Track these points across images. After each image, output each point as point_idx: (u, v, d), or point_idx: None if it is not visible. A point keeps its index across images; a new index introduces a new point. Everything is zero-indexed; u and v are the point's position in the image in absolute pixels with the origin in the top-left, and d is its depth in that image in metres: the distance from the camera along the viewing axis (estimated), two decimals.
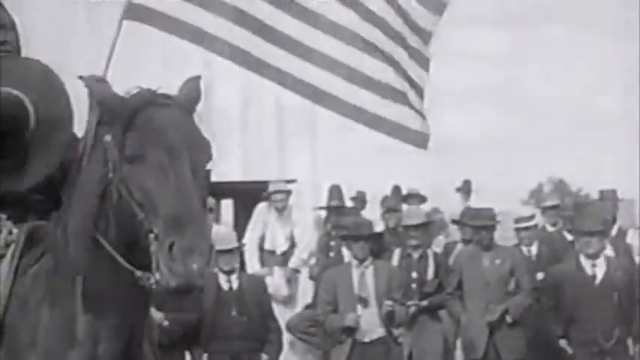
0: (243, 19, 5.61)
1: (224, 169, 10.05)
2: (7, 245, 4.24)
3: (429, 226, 9.93)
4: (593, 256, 9.08)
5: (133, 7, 5.36)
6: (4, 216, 4.32)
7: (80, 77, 3.97)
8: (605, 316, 8.96)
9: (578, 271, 9.12)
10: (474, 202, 11.93)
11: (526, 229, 10.39)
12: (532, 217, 10.67)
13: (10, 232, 4.26)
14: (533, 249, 10.40)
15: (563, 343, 9.15)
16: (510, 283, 9.44)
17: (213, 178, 4.84)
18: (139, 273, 3.72)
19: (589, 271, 9.10)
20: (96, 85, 3.98)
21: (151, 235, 3.66)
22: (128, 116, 3.84)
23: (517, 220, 10.53)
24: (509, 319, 9.25)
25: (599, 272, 9.10)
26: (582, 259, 9.13)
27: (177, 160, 3.78)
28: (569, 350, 9.11)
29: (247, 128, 11.94)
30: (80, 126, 4.72)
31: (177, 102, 3.92)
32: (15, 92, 4.25)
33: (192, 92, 3.98)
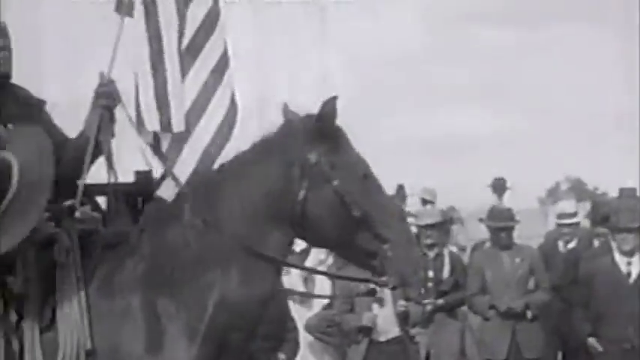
0: None
1: None
2: (67, 253, 4.24)
3: (444, 225, 9.90)
4: (629, 254, 9.04)
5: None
6: (51, 223, 4.31)
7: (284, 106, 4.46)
8: (638, 314, 8.91)
9: (612, 268, 9.06)
10: (491, 200, 11.85)
11: (568, 225, 10.28)
12: (575, 214, 10.52)
13: (70, 238, 4.26)
14: (572, 246, 10.27)
15: (592, 340, 9.10)
16: (530, 281, 9.41)
17: None
18: (380, 279, 4.27)
19: (624, 268, 9.05)
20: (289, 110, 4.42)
21: (387, 245, 4.20)
22: (346, 139, 4.32)
23: (559, 216, 10.43)
24: (529, 314, 9.24)
25: (634, 270, 9.05)
26: (617, 256, 9.08)
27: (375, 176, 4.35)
28: (599, 348, 9.05)
29: (262, 128, 11.92)
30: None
31: None
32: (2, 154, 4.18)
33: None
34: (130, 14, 5.23)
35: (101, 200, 5.09)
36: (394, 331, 8.79)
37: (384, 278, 4.25)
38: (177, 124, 5.81)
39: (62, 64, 7.19)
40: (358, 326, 8.75)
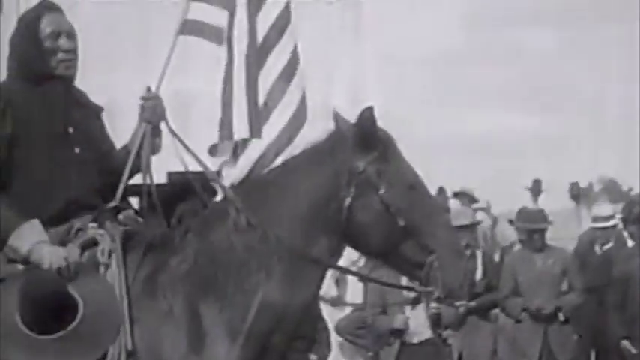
0: None
1: None
2: (110, 254, 4.24)
3: (477, 227, 9.86)
4: None
5: (188, 22, 5.34)
6: (94, 224, 4.30)
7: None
8: None
9: None
10: (526, 201, 11.81)
11: (603, 229, 10.19)
12: (611, 217, 10.40)
13: (113, 240, 4.25)
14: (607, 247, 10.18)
15: (625, 342, 9.04)
16: (563, 283, 9.36)
17: None
18: (427, 289, 4.26)
19: None
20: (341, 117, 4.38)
21: (433, 256, 4.21)
22: (395, 148, 4.33)
23: (594, 220, 10.34)
24: (561, 316, 9.20)
25: None
26: None
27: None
28: (632, 350, 9.00)
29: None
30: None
31: None
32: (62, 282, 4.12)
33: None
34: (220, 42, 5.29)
35: (134, 201, 5.10)
36: (426, 333, 8.76)
37: (429, 288, 4.26)
38: (244, 129, 5.82)
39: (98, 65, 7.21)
40: (390, 328, 8.72)
